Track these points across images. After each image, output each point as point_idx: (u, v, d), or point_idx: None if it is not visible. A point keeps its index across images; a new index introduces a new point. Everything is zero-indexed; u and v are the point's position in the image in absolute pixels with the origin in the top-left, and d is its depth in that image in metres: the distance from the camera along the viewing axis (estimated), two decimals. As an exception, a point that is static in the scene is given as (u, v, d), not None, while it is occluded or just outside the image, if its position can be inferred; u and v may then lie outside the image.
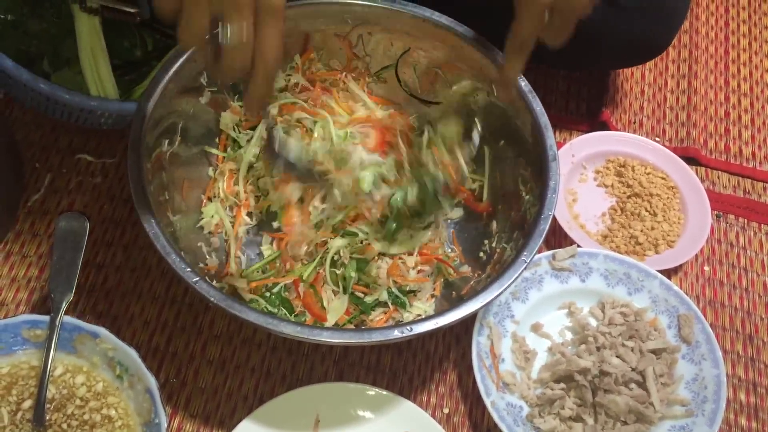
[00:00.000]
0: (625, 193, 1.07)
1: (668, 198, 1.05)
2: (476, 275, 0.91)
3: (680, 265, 1.03)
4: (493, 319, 0.92)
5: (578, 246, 0.98)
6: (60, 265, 0.85)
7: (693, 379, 0.90)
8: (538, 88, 0.91)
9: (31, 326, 0.83)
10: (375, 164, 0.91)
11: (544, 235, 0.82)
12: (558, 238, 1.04)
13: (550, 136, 0.87)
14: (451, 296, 0.92)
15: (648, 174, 1.08)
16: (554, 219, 0.89)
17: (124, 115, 0.92)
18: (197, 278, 0.76)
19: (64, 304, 0.83)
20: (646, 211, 1.04)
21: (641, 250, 1.02)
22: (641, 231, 1.03)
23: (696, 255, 1.04)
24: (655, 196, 1.05)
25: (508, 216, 0.92)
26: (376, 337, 0.75)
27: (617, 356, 0.89)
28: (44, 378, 0.81)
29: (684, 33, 1.28)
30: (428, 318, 0.77)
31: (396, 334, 0.75)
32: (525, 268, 0.80)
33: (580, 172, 1.09)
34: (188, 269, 0.76)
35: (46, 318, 0.83)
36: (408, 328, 0.76)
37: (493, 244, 0.93)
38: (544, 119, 0.88)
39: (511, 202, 0.92)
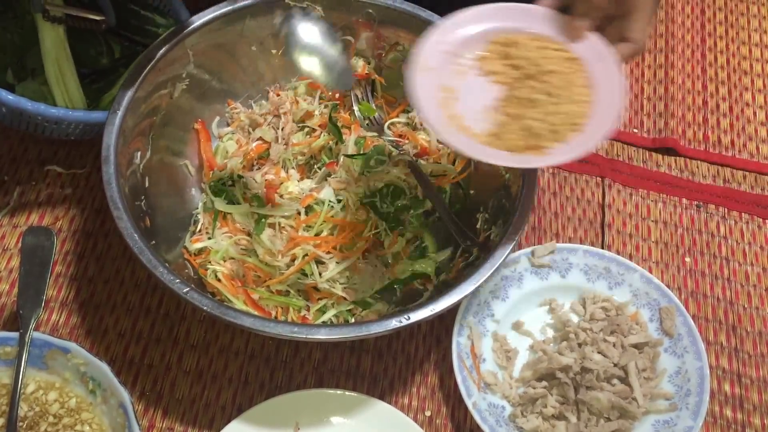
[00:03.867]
0: (514, 77, 0.82)
1: (569, 73, 0.81)
2: (464, 258, 0.90)
3: (661, 257, 1.02)
4: (473, 319, 0.91)
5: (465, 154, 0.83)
6: (27, 280, 0.84)
7: (676, 373, 0.89)
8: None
9: (1, 344, 0.82)
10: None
11: (529, 213, 0.82)
12: (538, 234, 1.03)
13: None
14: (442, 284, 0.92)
15: (540, 48, 0.83)
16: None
17: (91, 124, 0.90)
18: (188, 288, 0.75)
19: (33, 320, 0.82)
20: (542, 93, 0.80)
21: (539, 143, 0.78)
22: (536, 119, 0.79)
23: (677, 245, 1.03)
24: (550, 74, 0.81)
25: (491, 196, 0.92)
26: (375, 329, 0.75)
27: (599, 352, 0.88)
28: (15, 396, 0.79)
29: (660, 22, 1.28)
30: (424, 304, 0.77)
31: (394, 323, 0.75)
32: (514, 247, 0.80)
33: (457, 64, 0.83)
34: (177, 281, 0.76)
35: (15, 335, 0.81)
36: (405, 316, 0.76)
37: (478, 226, 0.92)
38: None
39: (491, 182, 0.92)
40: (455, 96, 0.81)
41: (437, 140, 0.99)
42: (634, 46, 0.80)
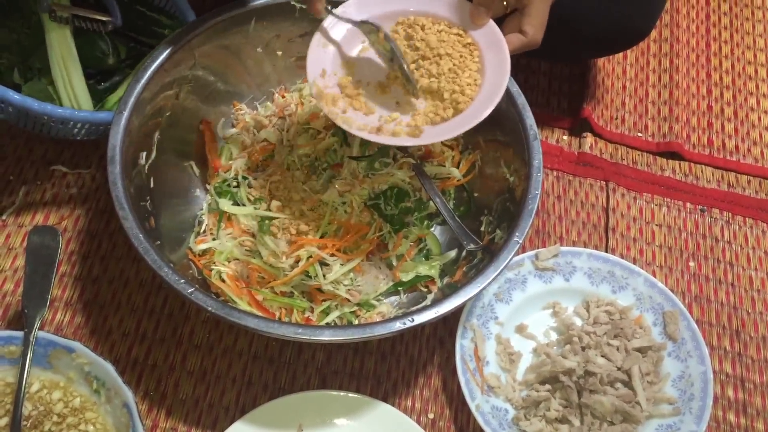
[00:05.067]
0: (412, 57, 0.84)
1: (462, 58, 0.84)
2: (468, 261, 0.90)
3: (664, 261, 1.02)
4: (476, 322, 0.91)
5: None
6: (33, 280, 0.84)
7: (679, 377, 0.89)
8: (519, 85, 0.90)
9: (5, 343, 0.82)
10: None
11: (533, 215, 0.82)
12: (542, 237, 1.03)
13: (529, 116, 0.88)
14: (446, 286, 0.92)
15: (441, 32, 0.85)
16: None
17: (97, 124, 0.90)
18: (192, 289, 0.76)
19: (37, 320, 0.82)
20: (430, 76, 0.83)
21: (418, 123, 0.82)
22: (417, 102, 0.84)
23: (681, 250, 1.03)
24: (444, 57, 0.84)
25: (495, 199, 0.92)
26: (379, 331, 0.75)
27: (602, 356, 0.88)
28: (20, 395, 0.79)
29: (665, 27, 1.28)
30: (428, 307, 0.77)
31: (398, 325, 0.75)
32: (518, 251, 0.80)
33: (361, 41, 0.86)
34: (182, 281, 0.76)
35: (20, 334, 0.82)
36: (410, 318, 0.76)
37: (482, 228, 0.92)
38: (521, 99, 0.89)
39: (495, 185, 0.92)
40: (353, 71, 0.85)
41: (441, 142, 0.99)
42: (526, 39, 0.83)
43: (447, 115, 0.81)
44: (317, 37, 0.84)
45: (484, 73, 0.83)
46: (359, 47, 0.86)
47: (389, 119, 0.82)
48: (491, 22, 0.84)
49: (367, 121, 0.82)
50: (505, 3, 0.83)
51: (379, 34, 0.81)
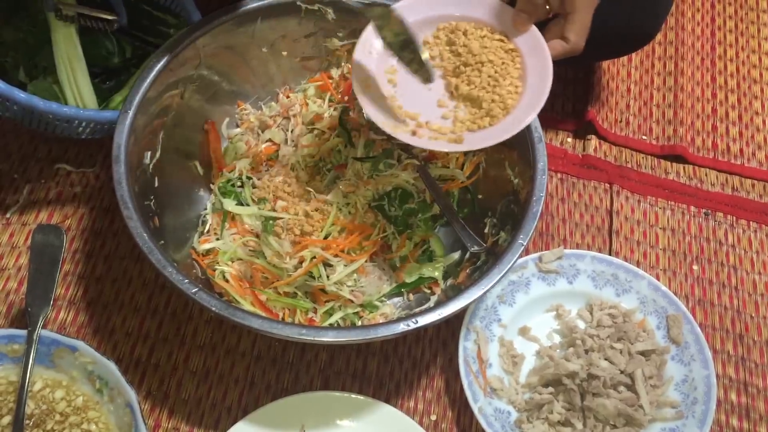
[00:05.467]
0: (453, 63, 0.85)
1: (504, 65, 0.84)
2: (471, 263, 0.90)
3: (668, 265, 1.02)
4: (479, 324, 0.91)
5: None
6: (37, 278, 0.84)
7: (683, 381, 0.89)
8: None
9: (9, 341, 0.82)
10: None
11: (537, 217, 0.82)
12: (545, 240, 1.03)
13: (534, 118, 0.86)
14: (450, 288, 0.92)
15: (482, 37, 0.85)
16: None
17: (102, 123, 0.90)
18: (196, 289, 0.76)
19: (41, 318, 0.82)
20: (470, 83, 0.83)
21: (459, 130, 0.82)
22: (453, 109, 0.84)
23: (685, 253, 1.03)
24: (486, 64, 0.83)
25: (499, 201, 0.92)
26: (382, 333, 0.75)
27: (606, 359, 0.88)
28: (22, 393, 0.79)
29: (670, 30, 1.27)
30: (432, 309, 0.77)
31: (402, 327, 0.75)
32: (521, 253, 0.80)
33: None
34: (186, 281, 0.76)
35: (23, 332, 0.82)
36: (413, 320, 0.76)
37: (486, 230, 0.92)
38: None
39: (499, 187, 0.92)
40: (395, 77, 0.85)
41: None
42: (568, 46, 0.83)
43: (484, 124, 0.81)
44: (362, 44, 0.84)
45: (526, 79, 0.83)
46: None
47: (426, 124, 0.82)
48: (533, 28, 0.84)
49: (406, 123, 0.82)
50: (547, 8, 0.82)
51: (390, 17, 0.80)
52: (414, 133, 0.81)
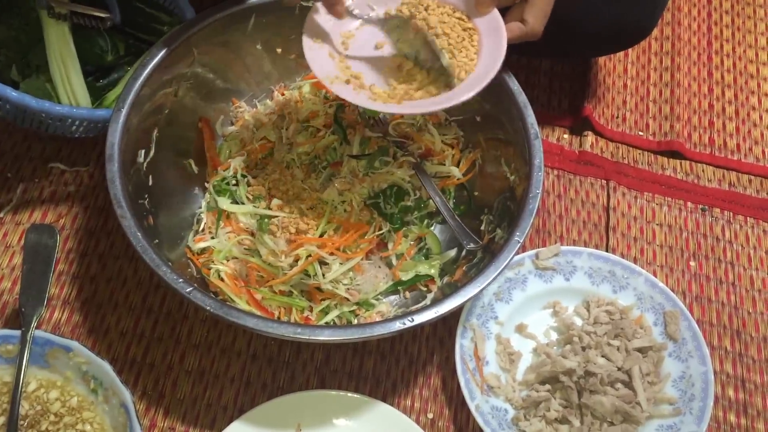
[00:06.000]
0: (409, 35, 0.86)
1: (460, 39, 0.84)
2: (468, 260, 0.90)
3: (665, 261, 1.02)
4: (476, 321, 0.91)
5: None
6: (30, 278, 0.84)
7: (680, 377, 0.89)
8: (520, 83, 0.89)
9: (2, 341, 0.81)
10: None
11: (534, 214, 0.82)
12: (542, 236, 1.03)
13: (530, 114, 0.87)
14: (446, 285, 0.92)
15: (444, 14, 0.86)
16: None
17: (95, 122, 0.90)
18: (191, 288, 0.75)
19: (35, 318, 0.81)
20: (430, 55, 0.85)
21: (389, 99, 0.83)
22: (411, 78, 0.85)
23: (682, 249, 1.03)
24: (441, 36, 0.84)
25: (495, 198, 0.92)
26: (378, 331, 0.75)
27: (603, 356, 0.88)
28: (16, 394, 0.79)
29: (666, 25, 1.27)
30: (428, 307, 0.76)
31: (398, 325, 0.75)
32: (518, 250, 0.80)
33: (367, 13, 0.87)
34: (180, 280, 0.76)
35: (17, 333, 0.81)
36: (409, 318, 0.75)
37: (482, 227, 0.92)
38: (522, 98, 0.88)
39: (496, 184, 0.91)
40: (350, 42, 0.86)
41: (441, 140, 0.99)
42: (525, 28, 0.83)
43: (423, 95, 0.82)
44: (307, 36, 0.84)
45: (480, 58, 0.83)
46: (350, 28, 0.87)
47: (369, 87, 0.83)
48: (495, 11, 0.84)
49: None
50: None
51: (408, 25, 0.81)
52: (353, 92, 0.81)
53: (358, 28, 0.87)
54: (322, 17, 0.85)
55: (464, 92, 0.79)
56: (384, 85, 0.84)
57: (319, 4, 0.84)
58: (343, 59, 0.85)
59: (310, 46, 0.83)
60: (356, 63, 0.85)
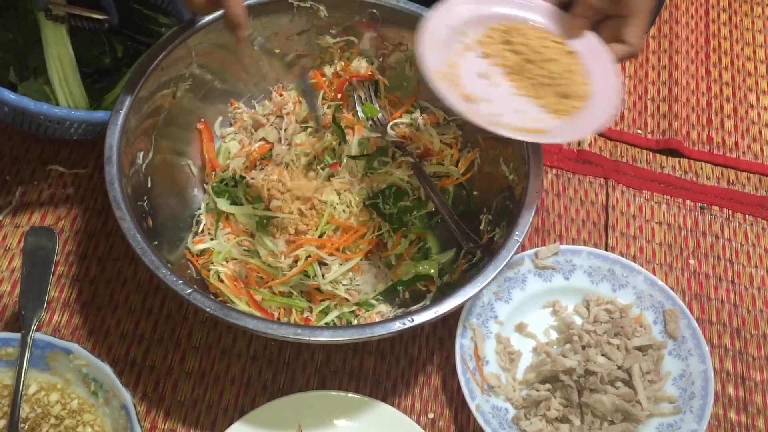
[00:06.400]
0: (514, 61, 0.85)
1: (568, 64, 0.85)
2: (467, 260, 0.90)
3: (665, 259, 1.02)
4: (476, 321, 0.91)
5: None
6: (30, 281, 0.84)
7: (680, 375, 0.89)
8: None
9: (2, 344, 0.81)
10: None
11: (533, 214, 0.82)
12: (541, 235, 1.03)
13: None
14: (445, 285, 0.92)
15: (540, 38, 0.86)
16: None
17: (94, 124, 0.89)
18: (190, 290, 0.75)
19: (34, 321, 0.81)
20: (544, 77, 0.84)
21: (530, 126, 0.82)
22: (540, 98, 0.84)
23: (681, 248, 1.03)
24: (551, 61, 0.85)
25: (494, 197, 0.92)
26: (378, 331, 0.75)
27: (603, 354, 0.88)
28: (17, 397, 0.79)
29: (664, 23, 1.27)
30: (427, 307, 0.76)
31: (397, 326, 0.75)
32: (517, 249, 0.80)
33: (460, 41, 0.86)
34: (180, 282, 0.76)
35: (17, 335, 0.81)
36: (409, 318, 0.75)
37: (481, 227, 0.92)
38: None
39: (495, 183, 0.92)
40: (457, 72, 0.83)
41: (440, 140, 0.99)
42: (629, 48, 0.82)
43: (568, 111, 0.81)
44: (426, 36, 0.83)
45: (592, 81, 0.83)
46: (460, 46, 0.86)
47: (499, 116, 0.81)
48: (591, 32, 0.84)
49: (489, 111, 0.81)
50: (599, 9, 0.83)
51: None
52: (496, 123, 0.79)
53: (462, 57, 0.85)
54: (436, 50, 0.83)
55: (600, 116, 0.80)
56: (512, 113, 0.81)
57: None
58: (466, 87, 0.82)
59: (442, 89, 0.80)
60: (476, 91, 0.82)
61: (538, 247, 0.97)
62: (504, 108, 0.81)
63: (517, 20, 0.87)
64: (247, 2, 0.93)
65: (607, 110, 0.81)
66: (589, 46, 0.85)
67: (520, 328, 0.93)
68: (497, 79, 0.83)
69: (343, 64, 1.01)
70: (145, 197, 0.87)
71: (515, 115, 0.81)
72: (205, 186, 0.98)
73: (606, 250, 1.01)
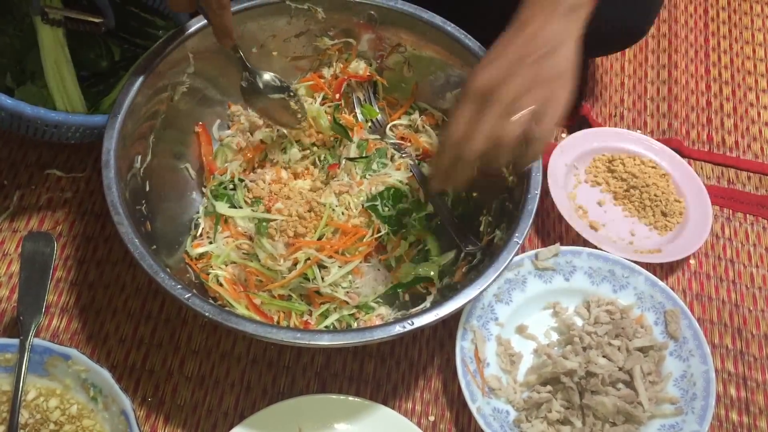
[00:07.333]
0: (621, 187, 1.05)
1: (664, 186, 1.05)
2: (467, 262, 0.90)
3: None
4: (476, 323, 0.90)
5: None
6: (28, 286, 0.83)
7: (681, 376, 0.89)
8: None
9: (1, 350, 0.81)
10: None
11: (533, 215, 0.81)
12: (541, 237, 1.02)
13: None
14: (446, 288, 0.91)
15: (638, 165, 1.06)
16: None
17: (91, 128, 0.89)
18: (189, 294, 0.75)
19: (33, 327, 0.81)
20: (647, 200, 1.04)
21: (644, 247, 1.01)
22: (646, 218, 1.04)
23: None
24: (651, 186, 1.04)
25: (494, 199, 0.91)
26: (378, 335, 0.75)
27: (604, 356, 0.88)
28: (16, 403, 0.79)
29: (663, 22, 1.27)
30: (428, 309, 0.76)
31: (398, 329, 0.74)
32: (517, 251, 0.79)
33: (574, 174, 1.07)
34: (179, 286, 0.75)
35: (15, 341, 0.81)
36: (409, 322, 0.75)
37: (481, 229, 0.92)
38: None
39: (494, 185, 0.91)
40: (577, 202, 1.05)
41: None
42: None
43: (671, 227, 1.03)
44: (554, 180, 1.03)
45: (684, 197, 1.05)
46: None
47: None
48: (677, 156, 1.07)
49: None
50: None
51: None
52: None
53: (577, 187, 1.06)
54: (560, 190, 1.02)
55: (699, 237, 1.00)
56: (627, 234, 1.02)
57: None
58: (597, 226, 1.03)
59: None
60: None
61: (538, 248, 0.96)
62: (621, 230, 1.02)
63: (615, 150, 1.08)
64: (245, 5, 0.93)
65: (703, 225, 1.01)
66: (677, 165, 1.07)
67: (521, 330, 0.93)
68: (609, 206, 1.05)
69: (341, 65, 1.01)
70: (143, 201, 0.87)
71: (630, 236, 1.02)
72: (204, 189, 0.97)
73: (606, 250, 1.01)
